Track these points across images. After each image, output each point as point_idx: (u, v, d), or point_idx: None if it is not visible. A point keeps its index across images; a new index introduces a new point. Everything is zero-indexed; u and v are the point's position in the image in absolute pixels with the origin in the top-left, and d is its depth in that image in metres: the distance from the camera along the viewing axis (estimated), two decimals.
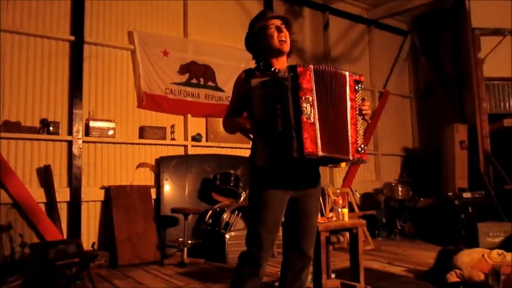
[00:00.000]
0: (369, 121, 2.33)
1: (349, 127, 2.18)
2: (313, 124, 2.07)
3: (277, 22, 2.34)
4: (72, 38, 5.38)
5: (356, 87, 2.26)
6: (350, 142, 2.17)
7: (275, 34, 2.31)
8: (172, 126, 6.02)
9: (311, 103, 2.08)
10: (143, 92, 5.80)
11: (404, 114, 9.25)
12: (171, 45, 6.13)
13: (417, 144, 9.23)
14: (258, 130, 2.14)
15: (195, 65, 6.27)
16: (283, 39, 2.32)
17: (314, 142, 2.05)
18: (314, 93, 2.10)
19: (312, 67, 2.14)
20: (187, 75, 6.21)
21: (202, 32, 6.49)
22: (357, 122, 2.22)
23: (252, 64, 2.47)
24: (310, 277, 3.84)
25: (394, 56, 9.15)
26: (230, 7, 6.80)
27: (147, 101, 5.83)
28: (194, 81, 6.26)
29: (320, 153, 2.06)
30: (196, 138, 6.18)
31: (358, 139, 2.20)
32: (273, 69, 2.32)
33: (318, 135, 2.07)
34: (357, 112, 2.24)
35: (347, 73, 2.24)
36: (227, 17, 6.75)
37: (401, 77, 9.23)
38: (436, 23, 8.62)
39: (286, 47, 2.34)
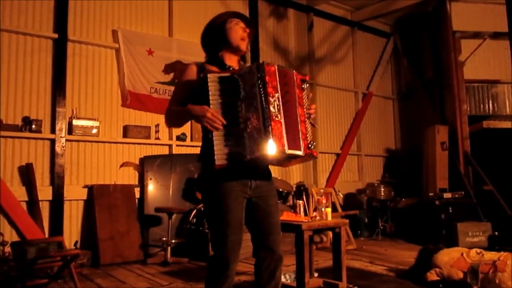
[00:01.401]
0: (316, 126, 2.34)
1: (299, 124, 2.20)
2: (280, 121, 2.09)
3: (243, 24, 2.38)
4: (56, 35, 5.33)
5: (303, 86, 2.29)
6: (301, 138, 2.19)
7: (240, 31, 2.35)
8: (157, 126, 6.00)
9: (277, 101, 2.10)
10: (127, 91, 5.77)
11: (387, 115, 9.37)
12: (156, 44, 6.11)
13: (399, 145, 9.36)
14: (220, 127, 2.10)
15: (180, 65, 6.26)
16: (244, 38, 2.37)
17: (281, 140, 2.06)
18: (279, 91, 2.13)
19: (276, 65, 2.16)
20: (172, 75, 6.20)
21: (187, 32, 6.48)
22: (305, 119, 2.25)
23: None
24: (293, 275, 3.88)
25: (377, 58, 9.26)
26: (215, 7, 6.79)
27: (131, 100, 5.81)
28: None
29: (287, 151, 2.07)
30: (181, 137, 6.18)
31: (307, 135, 2.23)
32: (227, 66, 2.32)
33: (284, 132, 2.08)
34: (305, 109, 2.26)
35: (294, 71, 2.26)
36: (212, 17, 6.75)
37: (384, 78, 9.35)
38: (418, 26, 8.75)
39: (244, 47, 2.38)
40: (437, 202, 6.50)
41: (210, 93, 2.12)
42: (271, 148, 2.03)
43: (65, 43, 5.39)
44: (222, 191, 2.18)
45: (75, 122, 5.34)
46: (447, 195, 6.64)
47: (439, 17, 7.84)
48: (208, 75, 2.14)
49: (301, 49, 7.98)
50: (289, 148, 2.08)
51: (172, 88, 6.12)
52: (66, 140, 5.27)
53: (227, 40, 2.33)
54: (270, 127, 2.04)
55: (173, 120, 2.34)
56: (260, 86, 2.09)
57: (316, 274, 4.10)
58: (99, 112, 5.64)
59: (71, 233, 5.22)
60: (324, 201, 3.82)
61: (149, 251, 5.42)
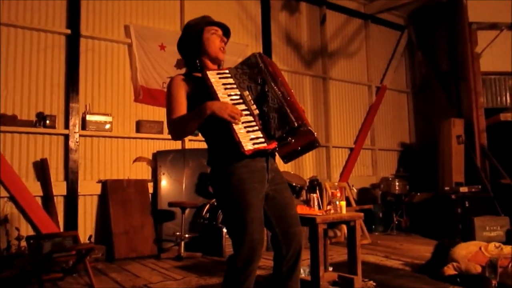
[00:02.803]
0: None
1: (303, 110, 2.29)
2: (292, 100, 2.16)
3: (220, 31, 2.36)
4: (68, 31, 5.35)
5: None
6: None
7: (217, 41, 2.33)
8: None
9: (284, 84, 2.19)
10: (139, 86, 5.78)
11: (401, 109, 9.26)
12: (168, 39, 6.10)
13: (414, 139, 9.25)
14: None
15: None
16: (222, 48, 2.35)
17: (303, 114, 2.13)
18: (279, 76, 2.22)
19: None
20: (184, 69, 6.13)
21: None
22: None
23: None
24: (307, 270, 3.85)
25: (391, 51, 9.15)
26: (227, 1, 6.77)
27: (144, 95, 5.82)
28: None
29: (307, 126, 2.11)
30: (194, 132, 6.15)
31: None
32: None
33: (299, 109, 2.17)
34: None
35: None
36: (224, 12, 6.71)
37: (398, 72, 9.24)
38: (433, 18, 8.62)
39: (223, 56, 2.37)
40: (453, 196, 6.39)
41: (215, 89, 2.13)
42: (295, 121, 2.06)
43: (78, 39, 5.41)
44: (243, 188, 2.14)
45: (88, 117, 5.36)
46: (464, 189, 6.53)
47: (454, 8, 7.70)
48: (208, 72, 2.16)
49: (314, 42, 7.91)
50: (307, 124, 2.13)
51: None
52: (80, 136, 5.29)
53: (205, 50, 2.32)
54: (288, 104, 2.11)
55: (185, 126, 2.17)
56: (266, 71, 2.19)
57: (330, 269, 4.06)
58: (112, 108, 5.66)
59: (86, 228, 5.25)
60: (338, 194, 3.78)
61: (163, 246, 5.43)
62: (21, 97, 5.05)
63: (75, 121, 5.25)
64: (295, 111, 2.10)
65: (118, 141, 5.65)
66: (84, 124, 5.35)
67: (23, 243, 4.34)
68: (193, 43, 2.33)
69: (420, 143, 9.09)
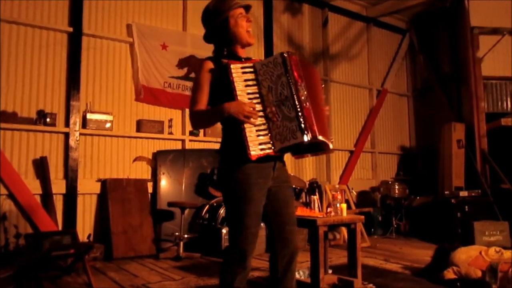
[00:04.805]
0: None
1: (324, 114, 2.25)
2: (309, 109, 2.11)
3: (244, 12, 2.33)
4: (71, 29, 5.34)
5: (322, 84, 2.38)
6: (327, 127, 2.25)
7: (244, 23, 2.30)
8: (170, 120, 5.99)
9: (304, 89, 2.13)
10: (141, 85, 5.76)
11: (402, 112, 9.25)
12: (170, 38, 6.09)
13: (414, 142, 9.24)
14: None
15: (194, 59, 6.23)
16: (249, 30, 2.33)
17: (313, 127, 2.08)
18: (304, 79, 2.15)
19: (297, 55, 2.21)
20: (185, 69, 6.17)
21: (201, 26, 6.30)
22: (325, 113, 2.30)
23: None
24: (307, 272, 3.84)
25: (393, 55, 9.14)
26: None
27: (145, 94, 5.80)
28: (192, 75, 6.23)
29: (319, 137, 2.09)
30: (194, 132, 6.15)
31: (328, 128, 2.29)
32: (242, 58, 2.30)
33: (314, 119, 2.11)
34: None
35: (315, 67, 2.37)
36: None
37: (399, 75, 9.23)
38: (435, 22, 8.62)
39: (253, 41, 2.35)
40: (453, 201, 6.39)
41: (235, 83, 2.11)
42: (306, 135, 2.05)
43: (80, 36, 5.40)
44: (247, 182, 2.15)
45: (89, 116, 5.34)
46: (463, 194, 6.53)
47: (457, 12, 7.70)
48: (231, 65, 2.12)
49: (316, 45, 7.91)
50: (320, 135, 2.10)
51: (186, 82, 6.12)
52: (80, 134, 5.27)
53: (235, 40, 2.30)
54: (303, 114, 2.07)
55: (204, 121, 2.30)
56: (289, 75, 2.11)
57: (330, 271, 4.05)
58: (113, 106, 5.64)
59: (84, 227, 5.23)
60: (339, 197, 3.77)
61: (162, 246, 5.41)
62: (22, 94, 5.03)
63: (75, 119, 5.24)
64: (309, 122, 2.07)
65: (119, 140, 5.64)
66: (84, 123, 5.33)
67: (22, 241, 4.32)
68: (220, 35, 2.31)
69: (420, 147, 9.09)
